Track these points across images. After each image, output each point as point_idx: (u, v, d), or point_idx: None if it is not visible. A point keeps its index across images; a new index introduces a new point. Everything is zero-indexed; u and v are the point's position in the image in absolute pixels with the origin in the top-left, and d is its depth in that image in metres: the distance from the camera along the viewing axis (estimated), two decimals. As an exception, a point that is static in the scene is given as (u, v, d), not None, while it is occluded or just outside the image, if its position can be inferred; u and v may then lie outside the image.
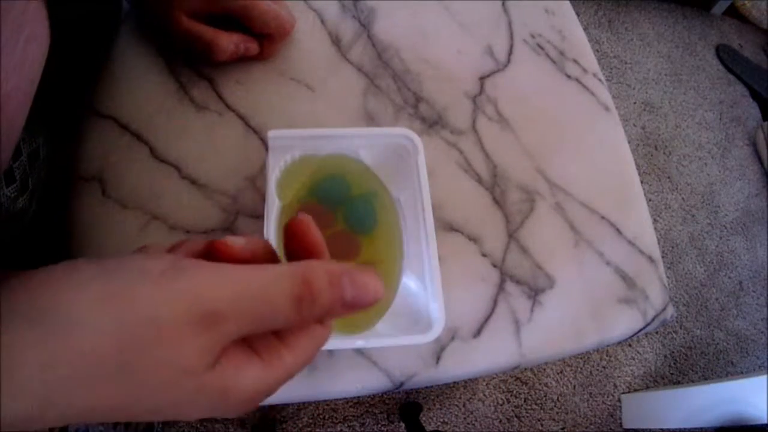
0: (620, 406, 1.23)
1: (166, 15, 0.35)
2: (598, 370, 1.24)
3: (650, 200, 1.42)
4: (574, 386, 1.21)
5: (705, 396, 1.08)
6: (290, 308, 0.17)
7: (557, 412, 1.18)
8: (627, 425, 1.21)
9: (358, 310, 0.18)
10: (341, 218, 0.32)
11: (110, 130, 0.37)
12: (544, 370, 1.21)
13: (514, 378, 1.18)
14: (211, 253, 0.20)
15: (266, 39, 0.38)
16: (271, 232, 0.30)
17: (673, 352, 1.30)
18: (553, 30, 0.46)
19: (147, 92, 0.38)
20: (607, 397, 1.22)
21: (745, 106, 1.64)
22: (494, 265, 0.37)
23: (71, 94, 0.37)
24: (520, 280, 0.37)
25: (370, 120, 0.40)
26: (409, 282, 0.32)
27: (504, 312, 0.36)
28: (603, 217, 0.40)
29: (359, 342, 0.29)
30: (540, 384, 1.20)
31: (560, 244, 0.39)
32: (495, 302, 0.36)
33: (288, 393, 0.32)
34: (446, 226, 0.38)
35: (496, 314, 0.36)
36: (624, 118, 1.49)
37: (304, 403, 1.05)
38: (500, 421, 1.15)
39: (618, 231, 0.40)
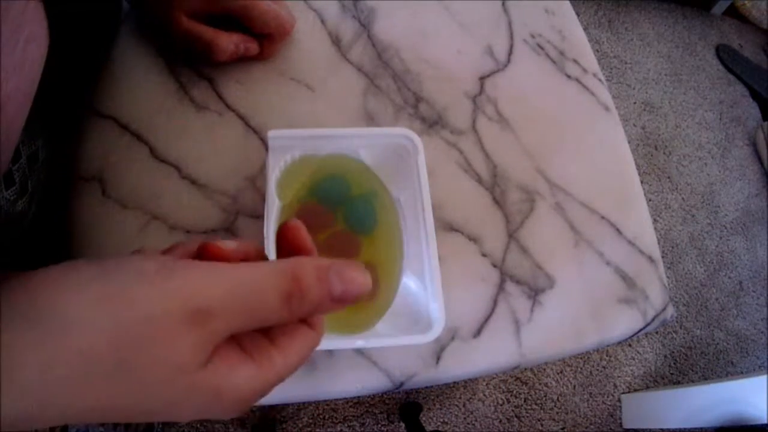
0: (620, 406, 1.23)
1: (166, 15, 0.35)
2: (598, 370, 1.24)
3: (650, 200, 1.42)
4: (574, 386, 1.21)
5: (705, 396, 1.08)
6: (280, 304, 0.17)
7: (557, 412, 1.18)
8: (627, 425, 1.21)
9: (347, 304, 0.19)
10: (341, 218, 0.32)
11: (110, 130, 0.37)
12: (544, 370, 1.21)
13: (514, 378, 1.18)
14: (203, 256, 0.20)
15: (266, 39, 0.38)
16: (271, 232, 0.30)
17: (673, 352, 1.30)
18: (553, 30, 0.46)
19: (147, 92, 0.38)
20: (607, 397, 1.22)
21: (745, 106, 1.64)
22: (494, 265, 0.37)
23: (71, 94, 0.37)
24: (520, 280, 0.37)
25: (370, 120, 0.40)
26: (409, 282, 0.32)
27: (504, 312, 0.36)
28: (603, 217, 0.40)
29: (359, 342, 0.29)
30: (540, 384, 1.19)
31: (560, 244, 0.39)
32: (495, 302, 0.36)
33: (288, 393, 0.32)
34: (446, 226, 0.38)
35: (496, 314, 0.36)
36: (624, 118, 1.49)
37: (304, 403, 1.05)
38: (500, 421, 1.15)
39: (618, 231, 0.40)
